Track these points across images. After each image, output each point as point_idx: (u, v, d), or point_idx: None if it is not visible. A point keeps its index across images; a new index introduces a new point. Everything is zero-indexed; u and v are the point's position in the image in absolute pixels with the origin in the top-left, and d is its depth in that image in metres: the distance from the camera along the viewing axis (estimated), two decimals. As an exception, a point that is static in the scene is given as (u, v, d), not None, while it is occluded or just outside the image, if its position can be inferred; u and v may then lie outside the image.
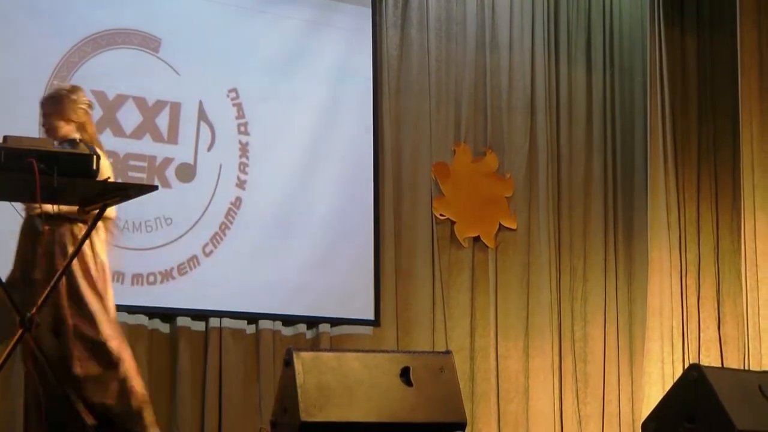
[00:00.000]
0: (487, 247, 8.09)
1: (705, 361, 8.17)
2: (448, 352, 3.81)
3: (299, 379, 3.47)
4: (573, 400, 8.10)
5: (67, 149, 3.60)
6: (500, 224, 8.16)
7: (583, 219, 8.45)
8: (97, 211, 3.68)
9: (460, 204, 8.01)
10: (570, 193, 8.45)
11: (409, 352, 3.85)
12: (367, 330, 7.33)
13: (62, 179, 3.50)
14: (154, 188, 3.71)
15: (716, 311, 8.31)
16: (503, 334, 8.00)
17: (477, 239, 8.08)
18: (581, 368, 8.21)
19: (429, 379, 3.65)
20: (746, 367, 7.71)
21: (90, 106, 4.61)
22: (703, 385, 4.29)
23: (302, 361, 3.50)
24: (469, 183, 8.08)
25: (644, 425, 4.43)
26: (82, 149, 3.61)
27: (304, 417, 3.40)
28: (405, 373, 3.63)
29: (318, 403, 3.45)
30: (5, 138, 3.58)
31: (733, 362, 8.13)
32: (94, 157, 3.62)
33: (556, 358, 8.09)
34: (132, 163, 6.67)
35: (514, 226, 8.20)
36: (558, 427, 7.96)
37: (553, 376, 8.02)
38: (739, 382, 4.50)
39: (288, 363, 3.52)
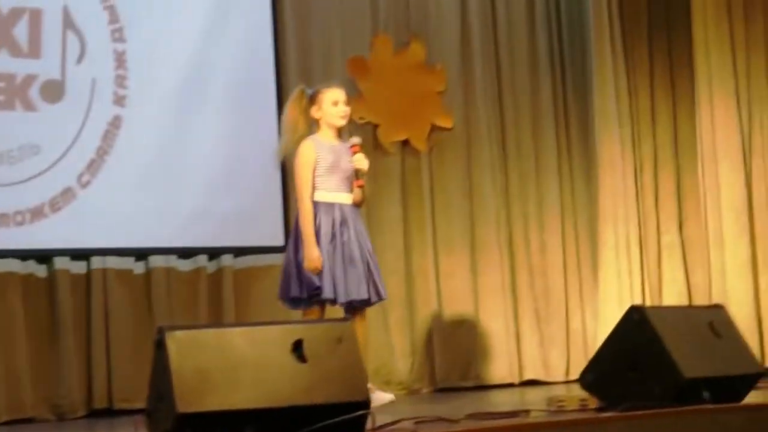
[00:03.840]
0: (419, 151, 8.04)
1: (667, 269, 8.29)
2: (346, 319, 3.77)
3: (173, 363, 3.40)
4: (532, 319, 8.15)
5: None
6: (433, 124, 8.10)
7: (530, 110, 8.40)
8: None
9: (383, 104, 7.92)
10: (513, 82, 8.38)
11: (302, 322, 3.81)
12: (277, 259, 7.28)
13: None
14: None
15: (677, 211, 8.36)
16: (445, 250, 8.00)
17: (405, 143, 8.02)
18: (540, 283, 8.25)
19: (325, 353, 3.60)
20: (709, 274, 7.82)
21: None
22: (645, 328, 4.31)
23: (176, 341, 3.44)
24: (392, 79, 7.98)
25: (582, 376, 4.44)
26: None
27: (181, 408, 3.35)
28: (298, 348, 3.58)
29: (196, 390, 3.39)
30: None
31: (698, 269, 8.22)
32: None
33: (508, 274, 8.11)
34: (-13, 84, 6.54)
35: (449, 125, 8.14)
36: (515, 351, 8.03)
37: (504, 293, 8.05)
38: (686, 321, 4.51)
39: (159, 344, 3.46)
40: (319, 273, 5.58)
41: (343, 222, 5.72)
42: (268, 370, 3.54)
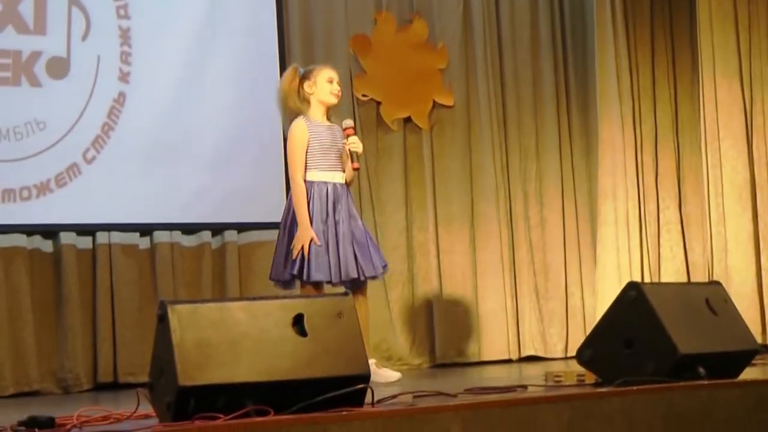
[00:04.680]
0: (420, 128, 8.05)
1: (666, 246, 8.29)
2: (346, 294, 3.77)
3: (175, 336, 3.41)
4: (531, 295, 8.17)
5: None
6: (434, 101, 8.11)
7: (532, 89, 8.40)
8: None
9: (386, 81, 7.93)
10: (514, 60, 8.38)
11: (302, 297, 3.81)
12: (279, 234, 7.30)
13: None
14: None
15: (677, 189, 8.36)
16: (445, 226, 8.01)
17: (408, 120, 8.03)
18: (540, 259, 8.26)
19: (326, 327, 3.61)
20: (711, 251, 7.82)
21: None
22: (642, 304, 4.30)
23: (178, 315, 3.44)
24: (394, 56, 7.98)
25: (579, 352, 4.44)
26: None
27: (182, 381, 3.36)
28: (298, 322, 3.59)
29: (198, 363, 3.40)
30: None
31: (696, 246, 8.24)
32: None
33: (507, 250, 8.12)
34: (-7, 60, 6.53)
35: (450, 103, 8.15)
36: (514, 327, 8.06)
37: (503, 269, 8.06)
38: (683, 297, 4.51)
39: (162, 318, 3.47)
40: (308, 253, 5.53)
41: (337, 201, 5.66)
42: (269, 344, 3.55)
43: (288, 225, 5.65)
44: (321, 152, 5.66)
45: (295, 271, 5.51)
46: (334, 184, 5.68)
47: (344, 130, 5.68)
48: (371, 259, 5.65)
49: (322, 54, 7.61)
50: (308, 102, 5.73)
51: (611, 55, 8.21)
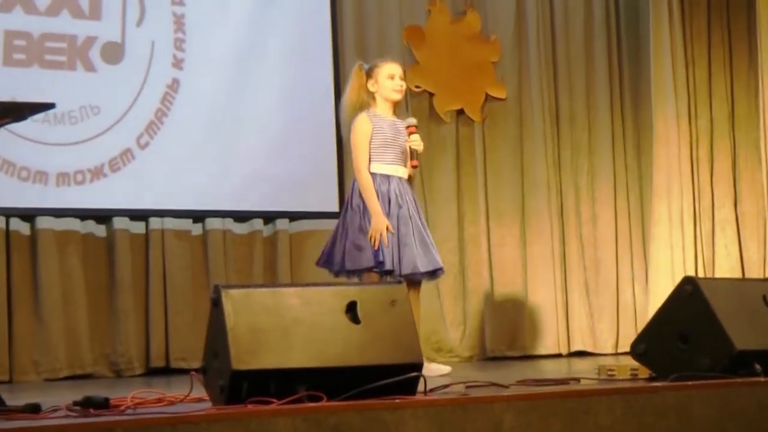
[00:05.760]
0: (473, 121, 8.03)
1: (720, 244, 8.20)
2: (400, 282, 3.76)
3: (229, 321, 3.41)
4: (581, 290, 8.12)
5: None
6: (487, 94, 8.08)
7: (585, 83, 8.35)
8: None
9: (439, 73, 7.91)
10: (567, 53, 8.34)
11: (355, 284, 3.81)
12: (332, 224, 7.29)
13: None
14: (51, 106, 3.63)
15: (732, 187, 8.27)
16: (496, 219, 7.99)
17: (460, 113, 8.01)
18: (590, 254, 8.21)
19: (379, 314, 3.60)
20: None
21: None
22: (698, 299, 4.26)
23: (232, 299, 3.45)
24: (448, 48, 7.96)
25: (633, 346, 4.41)
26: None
27: (236, 365, 3.37)
28: (351, 309, 3.58)
29: (251, 348, 3.40)
30: None
31: (752, 244, 8.15)
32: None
33: (558, 245, 8.08)
34: (49, 44, 6.55)
35: (503, 96, 8.12)
36: (563, 322, 8.02)
37: (554, 264, 8.03)
38: (739, 293, 4.44)
39: (216, 302, 3.48)
40: (379, 245, 5.50)
41: (400, 195, 5.66)
42: (322, 330, 3.54)
43: (343, 216, 5.66)
44: (384, 146, 5.65)
45: (379, 260, 5.47)
46: (398, 178, 5.66)
47: (407, 128, 5.68)
48: (432, 256, 5.64)
49: (375, 44, 7.60)
50: (374, 98, 5.73)
51: (667, 48, 8.13)
